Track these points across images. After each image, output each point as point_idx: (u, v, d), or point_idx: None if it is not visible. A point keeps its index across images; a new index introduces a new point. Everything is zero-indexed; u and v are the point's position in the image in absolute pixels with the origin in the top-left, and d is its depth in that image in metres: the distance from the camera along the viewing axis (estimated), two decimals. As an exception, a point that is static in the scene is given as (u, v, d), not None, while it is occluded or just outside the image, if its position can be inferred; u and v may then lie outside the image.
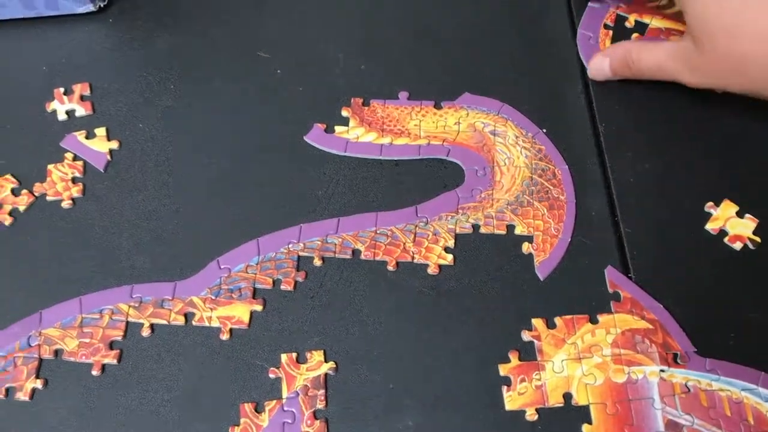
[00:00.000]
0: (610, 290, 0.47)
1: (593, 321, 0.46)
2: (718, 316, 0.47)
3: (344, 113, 0.54)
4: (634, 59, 0.52)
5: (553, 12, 0.57)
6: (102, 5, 0.57)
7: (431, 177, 0.51)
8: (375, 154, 0.52)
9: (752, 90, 0.48)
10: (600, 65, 0.54)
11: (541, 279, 0.48)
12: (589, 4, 0.57)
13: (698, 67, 0.49)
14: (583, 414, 0.44)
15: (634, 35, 0.56)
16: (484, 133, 0.52)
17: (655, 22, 0.57)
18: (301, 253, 0.49)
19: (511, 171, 0.51)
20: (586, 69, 0.55)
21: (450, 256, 0.48)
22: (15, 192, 0.51)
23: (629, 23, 0.57)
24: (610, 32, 0.57)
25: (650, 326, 0.46)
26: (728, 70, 0.47)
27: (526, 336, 0.46)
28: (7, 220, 0.51)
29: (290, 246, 0.49)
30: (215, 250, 0.49)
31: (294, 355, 0.46)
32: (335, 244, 0.49)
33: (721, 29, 0.46)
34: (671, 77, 0.51)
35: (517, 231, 0.49)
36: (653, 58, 0.51)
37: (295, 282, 0.48)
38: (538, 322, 0.46)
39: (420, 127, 0.53)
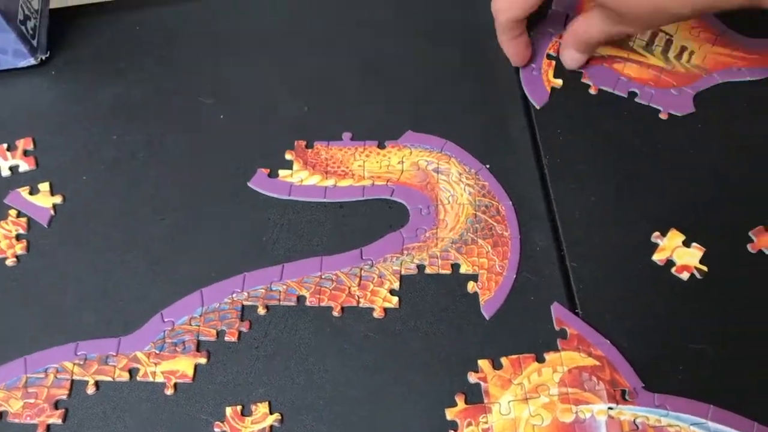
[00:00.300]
0: (557, 327, 0.47)
1: (540, 360, 0.46)
2: (666, 348, 0.46)
3: (288, 156, 0.53)
4: (586, 35, 0.53)
5: (496, 47, 0.56)
6: (44, 58, 0.57)
7: (376, 218, 0.51)
8: (319, 197, 0.52)
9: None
10: (570, 56, 0.55)
11: (487, 318, 0.47)
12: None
13: (630, 23, 0.50)
14: (530, 456, 0.44)
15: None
16: (428, 171, 0.52)
17: (598, 50, 0.56)
18: (245, 303, 0.49)
19: (455, 209, 0.50)
20: (530, 102, 0.55)
21: (395, 299, 0.48)
22: (-41, 251, 0.52)
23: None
24: (553, 62, 0.56)
25: (597, 363, 0.45)
26: None
27: (472, 378, 0.46)
28: (-49, 281, 0.51)
29: (234, 296, 0.49)
30: (160, 302, 0.49)
31: (239, 407, 0.45)
32: (279, 292, 0.49)
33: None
34: (621, 35, 0.53)
35: (462, 270, 0.49)
36: (597, 28, 0.52)
37: (239, 332, 0.48)
38: (484, 363, 0.46)
39: (364, 167, 0.52)
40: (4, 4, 0.52)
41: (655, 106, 0.54)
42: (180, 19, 0.60)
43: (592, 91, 0.55)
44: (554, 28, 0.58)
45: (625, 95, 0.55)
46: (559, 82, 0.56)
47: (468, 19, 0.59)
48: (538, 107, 0.55)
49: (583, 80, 0.56)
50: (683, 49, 0.57)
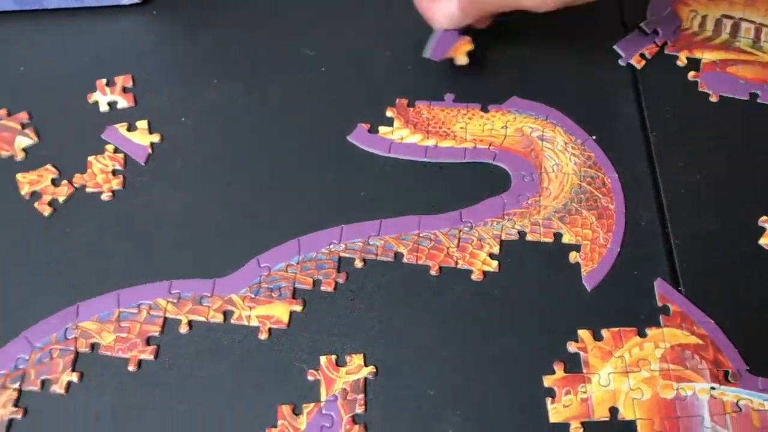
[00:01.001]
0: (659, 303, 0.46)
1: (641, 334, 0.45)
2: (772, 333, 0.45)
3: (389, 114, 0.53)
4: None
5: (605, 19, 0.55)
6: (147, -3, 0.57)
7: (476, 181, 0.50)
8: (419, 156, 0.51)
9: None
10: (448, 9, 0.50)
11: (588, 289, 0.46)
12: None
13: None
14: (629, 429, 0.43)
15: (691, 73, 0.54)
16: (532, 138, 0.51)
17: (707, 55, 0.55)
18: (342, 254, 0.48)
19: (559, 178, 0.50)
20: (637, 78, 0.54)
21: (495, 263, 0.47)
22: (55, 182, 0.51)
23: (681, 61, 0.55)
24: (644, 62, 0.55)
25: (701, 342, 0.45)
26: None
27: (571, 347, 0.45)
28: (47, 211, 0.50)
29: (331, 246, 0.49)
30: (255, 248, 0.49)
31: (333, 357, 0.45)
32: (377, 246, 0.48)
33: None
34: (515, 5, 0.49)
35: (565, 239, 0.48)
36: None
37: (336, 283, 0.47)
38: (584, 334, 0.45)
39: (466, 129, 0.52)
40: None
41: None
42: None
43: (713, 99, 0.54)
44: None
45: (746, 98, 0.54)
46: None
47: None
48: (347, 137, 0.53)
49: (701, 89, 0.54)
50: None
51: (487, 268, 0.47)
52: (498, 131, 0.52)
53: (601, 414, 0.43)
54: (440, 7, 0.50)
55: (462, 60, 0.52)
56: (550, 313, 0.46)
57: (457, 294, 0.47)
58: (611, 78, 0.54)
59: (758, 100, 0.53)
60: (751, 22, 0.56)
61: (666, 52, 0.56)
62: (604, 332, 0.45)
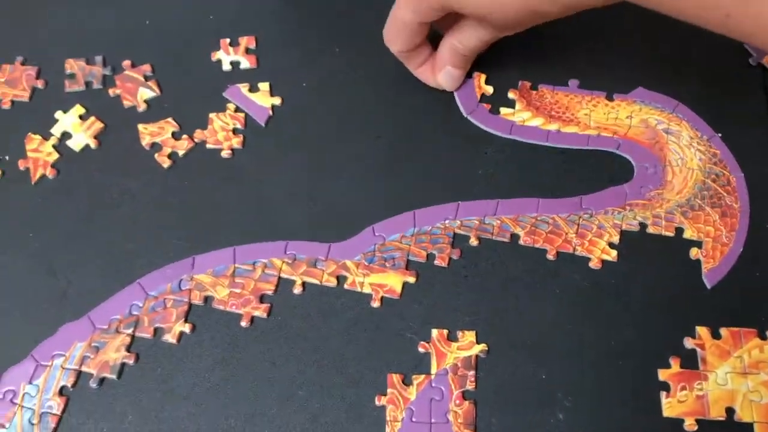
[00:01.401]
0: (782, 307, 0.45)
1: (762, 336, 0.44)
2: None
3: (511, 95, 0.52)
4: (461, 47, 0.50)
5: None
6: (274, -39, 0.57)
7: (598, 169, 0.50)
8: (541, 139, 0.51)
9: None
10: (448, 75, 0.52)
11: (709, 287, 0.46)
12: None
13: (501, 28, 0.47)
14: (745, 431, 0.42)
15: None
16: (657, 130, 0.50)
17: None
18: (457, 231, 0.48)
19: (684, 172, 0.49)
20: (767, 79, 0.53)
21: (614, 252, 0.47)
22: (175, 135, 0.52)
23: None
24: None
25: (825, 350, 0.44)
26: None
27: (689, 343, 0.44)
28: (166, 162, 0.51)
29: (447, 222, 0.48)
30: (370, 217, 0.49)
31: (445, 332, 0.45)
32: (493, 226, 0.48)
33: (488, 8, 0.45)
34: (495, 39, 0.49)
35: (686, 235, 0.47)
36: (474, 37, 0.49)
37: (450, 259, 0.47)
38: (702, 331, 0.44)
39: (590, 116, 0.51)
40: None
41: None
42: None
43: None
44: None
45: None
46: (489, 89, 0.52)
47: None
48: (466, 115, 0.52)
49: None
50: None
51: (606, 257, 0.47)
52: (623, 121, 0.51)
53: (718, 413, 0.42)
54: (440, 76, 0.52)
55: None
56: (669, 307, 0.45)
57: (574, 280, 0.46)
58: (741, 76, 0.53)
59: None
60: None
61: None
62: (723, 331, 0.44)
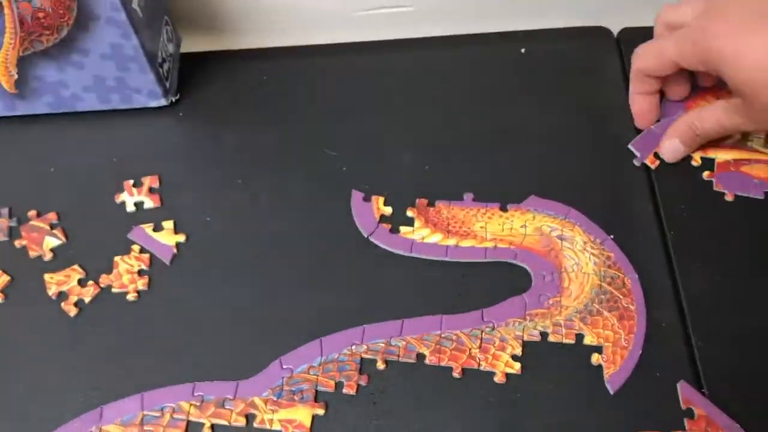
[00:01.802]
0: (683, 406, 0.45)
1: (667, 438, 0.45)
2: (799, 438, 0.45)
3: (409, 213, 0.54)
4: (698, 126, 0.53)
5: (618, 116, 0.57)
6: (174, 100, 0.59)
7: (497, 280, 0.51)
8: (441, 255, 0.52)
9: None
10: (672, 146, 0.55)
11: (612, 392, 0.46)
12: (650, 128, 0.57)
13: (753, 117, 0.50)
14: None
15: (705, 173, 0.54)
16: (552, 237, 0.52)
17: (720, 155, 0.55)
18: (364, 356, 0.48)
19: (580, 278, 0.50)
20: (652, 178, 0.55)
21: (518, 365, 0.47)
22: (81, 282, 0.52)
23: (695, 161, 0.55)
24: (658, 161, 0.55)
25: (727, 448, 0.44)
26: None
27: (596, 452, 0.45)
28: (72, 311, 0.51)
29: (353, 347, 0.49)
30: (277, 349, 0.49)
31: (356, 463, 0.45)
32: (399, 347, 0.49)
33: (762, 86, 0.48)
34: (735, 130, 0.53)
35: (587, 341, 0.48)
36: (714, 118, 0.53)
37: (358, 385, 0.47)
38: (609, 438, 0.45)
39: (486, 229, 0.53)
40: (150, 46, 0.54)
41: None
42: (306, 72, 0.61)
43: (729, 198, 0.54)
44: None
45: (761, 197, 0.54)
46: (388, 210, 0.54)
47: (592, 87, 0.60)
48: (366, 235, 0.53)
49: (716, 189, 0.54)
50: None
51: (509, 370, 0.47)
52: (517, 230, 0.52)
53: None
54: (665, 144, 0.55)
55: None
56: (574, 416, 0.46)
57: (481, 397, 0.47)
58: (627, 177, 0.55)
59: None
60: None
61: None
62: (629, 436, 0.45)
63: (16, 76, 0.55)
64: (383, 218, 0.54)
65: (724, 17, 0.49)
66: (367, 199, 0.54)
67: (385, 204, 0.54)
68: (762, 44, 0.47)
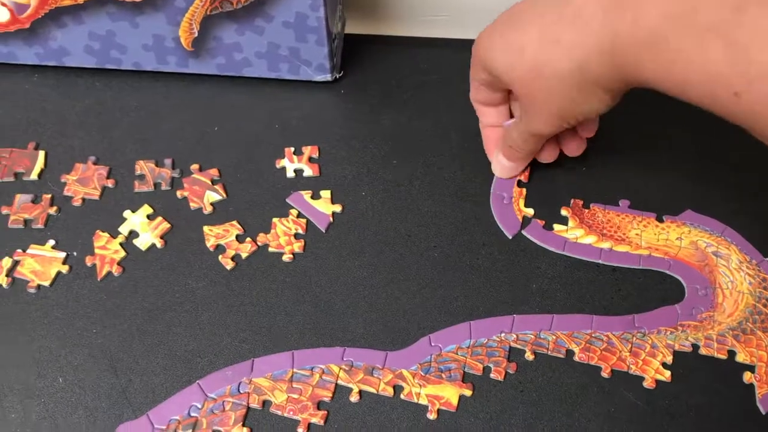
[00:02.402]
0: (837, 435, 0.45)
1: (819, 465, 0.44)
2: None
3: (564, 212, 0.54)
4: (506, 136, 0.53)
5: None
6: (337, 76, 0.61)
7: (650, 288, 0.51)
8: (594, 257, 0.52)
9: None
10: (495, 160, 0.55)
11: (764, 412, 0.46)
12: None
13: (535, 117, 0.48)
14: None
15: None
16: (707, 252, 0.52)
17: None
18: (513, 345, 0.49)
19: (734, 295, 0.50)
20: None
21: (668, 372, 0.47)
22: (239, 238, 0.53)
23: None
24: (524, 190, 0.55)
25: None
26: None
27: (745, 470, 0.44)
28: (229, 264, 0.52)
29: (503, 335, 0.49)
30: (426, 326, 0.50)
31: (501, 447, 0.45)
32: (549, 341, 0.49)
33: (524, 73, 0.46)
34: (529, 134, 0.50)
35: (739, 358, 0.48)
36: (517, 128, 0.51)
37: (506, 372, 0.48)
38: (759, 458, 0.45)
39: (641, 236, 0.53)
40: (330, 21, 0.56)
41: None
42: (464, 66, 0.61)
43: None
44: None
45: None
46: (530, 211, 0.55)
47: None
48: (510, 237, 0.53)
49: None
50: None
51: (659, 377, 0.47)
52: (673, 242, 0.52)
53: None
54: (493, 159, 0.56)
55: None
56: (723, 430, 0.46)
57: (628, 399, 0.47)
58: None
59: None
60: None
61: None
62: (780, 458, 0.45)
63: (196, 34, 0.57)
64: (526, 220, 0.55)
65: (490, 28, 0.49)
66: (506, 199, 0.55)
67: (536, 202, 0.55)
68: (509, 44, 0.47)
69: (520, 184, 0.56)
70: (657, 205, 0.55)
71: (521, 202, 0.55)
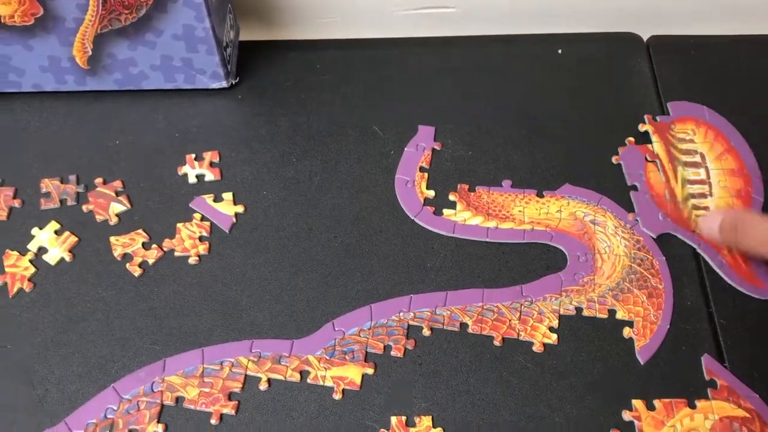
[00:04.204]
0: (707, 377, 0.49)
1: (691, 406, 0.48)
2: (814, 410, 0.49)
3: (452, 197, 0.58)
4: (740, 229, 0.53)
5: (645, 114, 0.61)
6: (233, 82, 0.63)
7: (535, 260, 0.55)
8: (482, 236, 0.56)
9: None
10: (711, 223, 0.55)
11: (642, 363, 0.50)
12: (405, 149, 0.60)
13: None
14: (683, 496, 0.46)
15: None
16: (585, 222, 0.56)
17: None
18: (411, 322, 0.52)
19: (612, 258, 0.54)
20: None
21: (554, 336, 0.51)
22: (145, 246, 0.55)
23: None
24: (425, 174, 0.59)
25: (748, 415, 0.48)
26: None
27: (626, 416, 0.48)
28: (137, 271, 0.54)
29: (401, 314, 0.52)
30: (330, 312, 0.53)
31: (403, 418, 0.48)
32: (444, 316, 0.52)
33: None
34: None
35: (619, 316, 0.52)
36: (760, 234, 0.52)
37: (405, 349, 0.51)
38: (638, 403, 0.48)
39: (524, 213, 0.56)
40: (218, 30, 0.58)
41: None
42: (355, 63, 0.65)
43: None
44: (425, 141, 0.61)
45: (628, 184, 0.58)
46: (431, 193, 0.58)
47: (623, 87, 0.64)
48: (412, 217, 0.57)
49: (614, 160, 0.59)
50: (705, 208, 0.57)
51: (547, 341, 0.51)
52: (553, 215, 0.56)
53: (657, 480, 0.46)
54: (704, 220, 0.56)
55: None
56: (606, 382, 0.50)
57: (519, 363, 0.50)
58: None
59: (632, 192, 0.57)
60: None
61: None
62: (657, 402, 0.49)
63: (90, 53, 0.58)
64: (427, 201, 0.58)
65: None
66: (409, 183, 0.59)
67: (428, 187, 0.58)
68: None
69: (422, 169, 0.59)
70: (537, 181, 0.58)
71: (423, 185, 0.59)
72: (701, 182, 0.58)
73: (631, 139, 0.60)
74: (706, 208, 0.57)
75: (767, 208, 0.57)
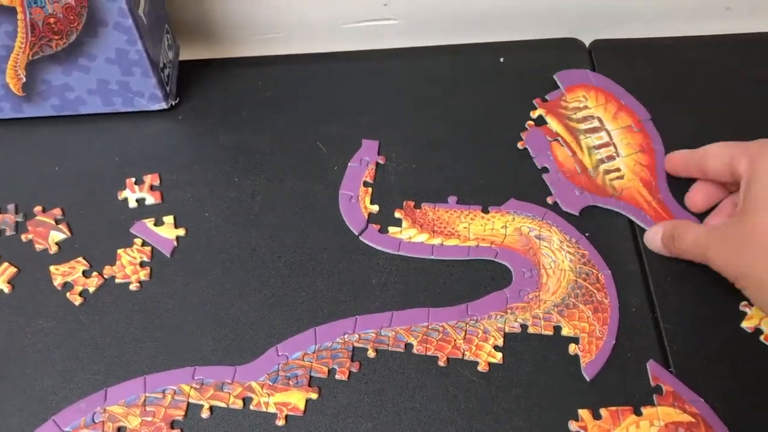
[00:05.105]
0: (653, 383, 0.50)
1: (637, 413, 0.48)
2: (759, 412, 0.49)
3: (397, 215, 0.57)
4: (676, 236, 0.54)
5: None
6: (173, 103, 0.62)
7: (480, 277, 0.54)
8: (426, 254, 0.55)
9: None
10: (653, 237, 0.55)
11: (588, 379, 0.50)
12: (349, 164, 0.60)
13: (728, 240, 0.50)
14: None
15: None
16: (530, 237, 0.56)
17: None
18: (356, 344, 0.52)
19: (557, 274, 0.54)
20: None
21: (499, 355, 0.51)
22: (86, 274, 0.54)
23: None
24: (370, 189, 0.59)
25: (693, 420, 0.48)
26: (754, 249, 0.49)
27: (573, 426, 0.48)
28: (78, 300, 0.53)
29: (346, 336, 0.52)
30: (274, 334, 0.52)
31: (348, 442, 0.48)
32: (389, 337, 0.52)
33: None
34: (702, 255, 0.52)
35: (564, 332, 0.52)
36: (692, 237, 0.53)
37: (350, 372, 0.51)
38: (584, 413, 0.48)
39: (469, 229, 0.56)
40: (152, 52, 0.57)
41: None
42: (298, 79, 0.65)
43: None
44: (369, 156, 0.61)
45: (539, 167, 0.59)
46: (375, 208, 0.58)
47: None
48: (357, 233, 0.57)
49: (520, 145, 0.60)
50: (617, 170, 0.59)
51: (491, 360, 0.51)
52: (498, 231, 0.56)
53: (602, 495, 0.46)
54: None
55: None
56: (552, 394, 0.50)
57: (466, 377, 0.50)
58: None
59: (543, 174, 0.58)
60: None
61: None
62: (603, 411, 0.49)
63: (24, 80, 0.57)
64: (371, 216, 0.57)
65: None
66: (353, 198, 0.58)
67: (372, 202, 0.58)
68: None
69: (366, 183, 0.59)
70: (482, 197, 0.58)
71: (367, 200, 0.58)
72: (606, 145, 0.60)
73: (531, 122, 0.61)
74: (617, 170, 0.58)
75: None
